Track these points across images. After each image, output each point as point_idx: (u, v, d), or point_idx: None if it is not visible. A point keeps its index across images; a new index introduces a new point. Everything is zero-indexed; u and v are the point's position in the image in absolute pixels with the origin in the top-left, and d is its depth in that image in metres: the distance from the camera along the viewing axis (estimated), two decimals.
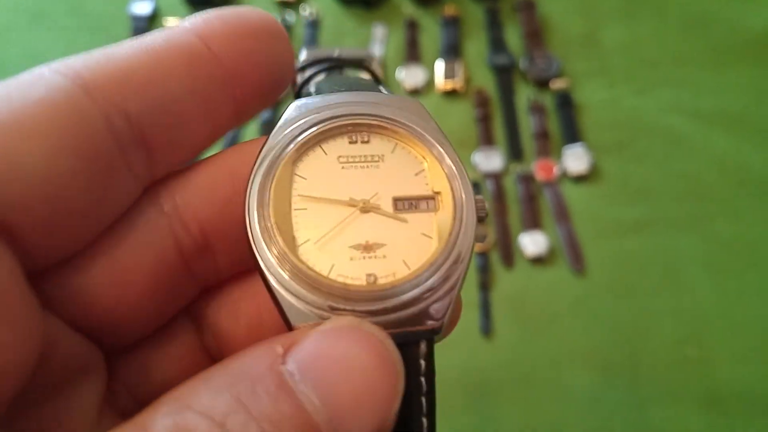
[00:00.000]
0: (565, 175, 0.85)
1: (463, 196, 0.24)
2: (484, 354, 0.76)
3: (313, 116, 0.24)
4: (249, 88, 0.24)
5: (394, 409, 0.19)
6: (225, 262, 0.25)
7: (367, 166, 0.24)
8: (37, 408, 0.21)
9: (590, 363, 0.74)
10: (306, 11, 0.98)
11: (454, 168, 0.24)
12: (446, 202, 0.24)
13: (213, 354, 0.26)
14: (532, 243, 0.80)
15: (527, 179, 0.85)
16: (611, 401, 0.72)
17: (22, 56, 0.96)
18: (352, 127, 0.24)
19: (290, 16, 0.98)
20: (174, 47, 0.22)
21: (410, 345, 0.22)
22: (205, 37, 0.23)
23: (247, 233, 0.22)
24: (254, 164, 0.23)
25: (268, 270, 0.22)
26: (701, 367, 0.73)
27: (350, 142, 0.24)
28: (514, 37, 0.94)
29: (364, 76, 0.30)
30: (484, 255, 0.81)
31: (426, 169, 0.24)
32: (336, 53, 0.30)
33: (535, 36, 0.93)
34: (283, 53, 0.25)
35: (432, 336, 0.22)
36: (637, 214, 0.81)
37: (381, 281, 0.22)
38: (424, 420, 0.22)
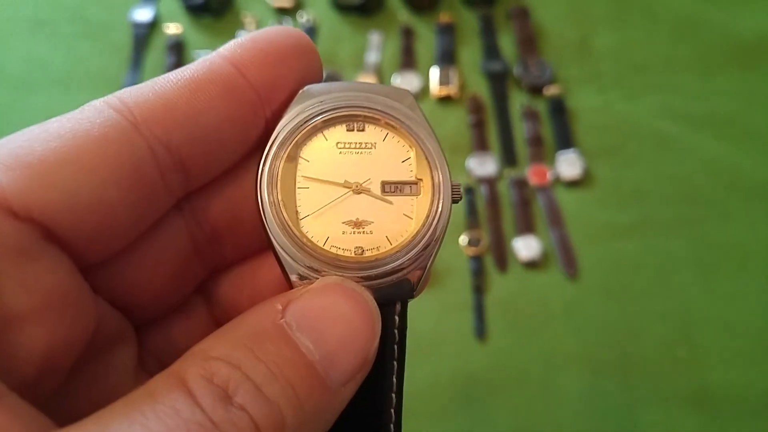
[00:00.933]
0: (558, 180, 0.86)
1: (441, 182, 0.27)
2: (478, 356, 0.76)
3: (317, 106, 0.27)
4: (278, 109, 0.27)
5: (373, 348, 0.23)
6: (231, 250, 0.29)
7: (361, 152, 0.27)
8: (88, 369, 0.25)
9: (582, 365, 0.75)
10: (303, 18, 0.99)
11: (435, 157, 0.27)
12: (426, 188, 0.27)
13: (222, 324, 0.30)
14: (525, 247, 0.81)
15: (521, 184, 0.86)
16: (603, 403, 0.73)
17: (23, 63, 0.97)
18: (350, 117, 0.27)
19: (287, 23, 1.00)
20: (213, 79, 0.25)
21: (389, 305, 0.27)
22: (240, 66, 0.25)
23: (258, 207, 0.26)
24: (266, 146, 0.27)
25: (275, 239, 0.26)
26: (692, 369, 0.73)
27: (348, 130, 0.28)
28: (507, 44, 0.96)
29: None
30: (478, 259, 0.82)
31: (412, 157, 0.28)
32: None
33: (529, 43, 0.94)
34: (312, 72, 0.27)
35: (406, 298, 0.27)
36: (628, 218, 0.82)
37: (367, 253, 0.26)
38: (395, 363, 0.27)
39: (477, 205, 0.85)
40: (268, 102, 0.26)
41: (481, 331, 0.78)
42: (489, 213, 0.85)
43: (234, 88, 0.25)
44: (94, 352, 0.26)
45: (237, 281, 0.30)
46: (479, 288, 0.80)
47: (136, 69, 0.97)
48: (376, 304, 0.24)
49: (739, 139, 0.85)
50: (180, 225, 0.28)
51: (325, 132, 0.27)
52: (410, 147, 0.28)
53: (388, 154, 0.28)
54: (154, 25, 1.00)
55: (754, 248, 0.79)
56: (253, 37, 0.26)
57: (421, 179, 0.27)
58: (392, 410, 0.27)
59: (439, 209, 0.27)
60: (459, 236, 0.83)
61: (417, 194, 0.27)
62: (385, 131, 0.28)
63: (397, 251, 0.26)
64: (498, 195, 0.86)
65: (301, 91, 0.27)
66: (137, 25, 1.00)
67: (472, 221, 0.84)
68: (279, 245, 0.26)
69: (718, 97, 0.88)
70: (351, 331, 0.23)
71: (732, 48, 0.91)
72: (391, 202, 0.27)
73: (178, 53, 0.97)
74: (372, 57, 0.95)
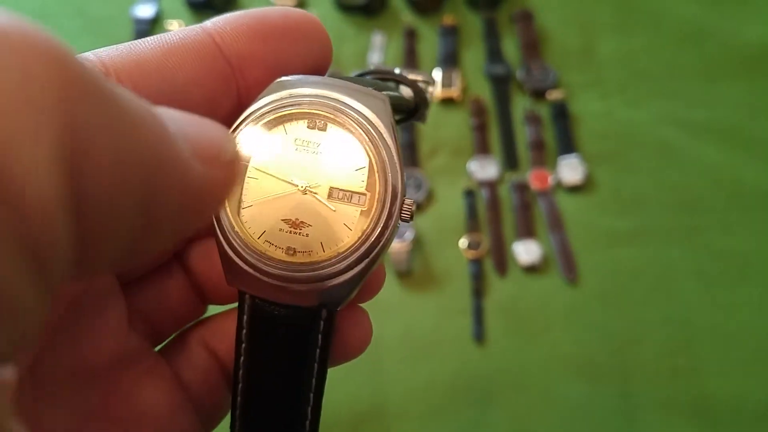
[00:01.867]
0: (559, 185, 0.86)
1: (388, 200, 0.26)
2: (476, 361, 0.76)
3: (287, 98, 0.27)
4: (252, 84, 0.26)
5: (232, 141, 0.20)
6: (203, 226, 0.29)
7: (317, 153, 0.27)
8: (80, 328, 0.26)
9: (581, 372, 0.74)
10: None
11: (389, 172, 0.26)
12: (372, 202, 0.26)
13: (200, 290, 0.31)
14: (525, 251, 0.81)
15: (522, 188, 0.85)
16: (601, 410, 0.72)
17: None
18: (314, 115, 0.27)
19: None
20: (186, 44, 0.25)
21: (314, 310, 0.26)
22: (217, 36, 0.26)
23: None
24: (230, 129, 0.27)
25: (216, 221, 0.26)
26: (691, 378, 0.73)
27: (309, 127, 0.27)
28: (511, 47, 0.95)
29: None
30: (477, 262, 0.81)
31: (366, 167, 0.27)
32: (397, 70, 0.33)
33: (532, 47, 0.94)
34: (299, 55, 0.27)
35: (331, 309, 0.27)
36: (629, 225, 0.82)
37: (297, 255, 0.26)
38: (316, 365, 0.27)
39: (477, 209, 0.85)
40: (241, 74, 0.26)
41: (479, 334, 0.77)
42: (489, 216, 0.84)
43: (205, 54, 0.25)
44: (86, 309, 0.26)
45: (210, 251, 0.30)
46: (478, 291, 0.80)
47: None
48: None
49: (741, 148, 0.85)
50: None
51: (287, 125, 0.27)
52: (368, 155, 0.26)
53: (344, 159, 0.27)
54: (156, 22, 1.00)
55: (755, 258, 0.79)
56: (243, 12, 0.26)
57: (369, 192, 0.26)
58: (309, 408, 0.27)
59: (379, 227, 0.26)
60: (459, 239, 0.83)
61: (362, 206, 0.26)
62: (346, 135, 0.27)
63: (327, 260, 0.26)
64: (499, 198, 0.85)
65: (275, 81, 0.27)
66: (139, 21, 0.99)
67: (472, 224, 0.84)
68: (218, 229, 0.26)
69: (722, 105, 0.88)
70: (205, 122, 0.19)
71: (736, 56, 0.91)
72: (334, 210, 0.26)
73: None
74: (375, 58, 0.95)
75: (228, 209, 0.26)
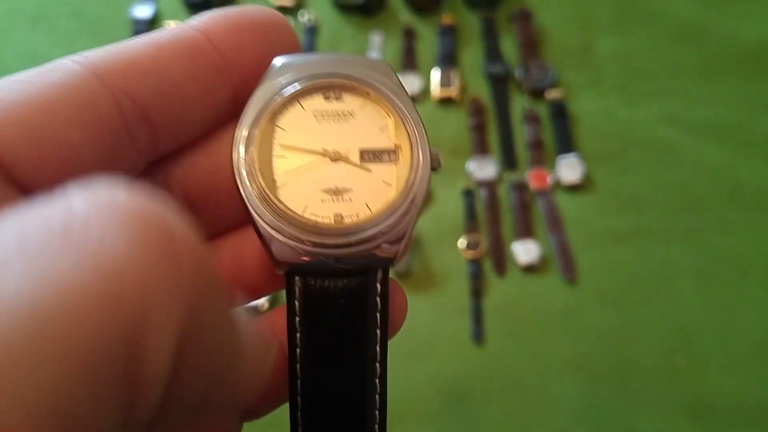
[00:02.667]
0: (558, 185, 0.85)
1: (420, 149, 0.27)
2: (475, 361, 0.76)
3: (294, 74, 0.27)
4: (247, 74, 0.27)
5: None
6: (206, 222, 0.29)
7: (339, 121, 0.27)
8: None
9: (580, 372, 0.74)
10: (304, 17, 0.99)
11: (414, 125, 0.27)
12: (405, 155, 0.27)
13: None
14: (524, 251, 0.81)
15: (521, 188, 0.85)
16: (600, 410, 0.72)
17: (23, 58, 0.97)
18: (327, 86, 0.27)
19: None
20: (178, 40, 0.25)
21: (369, 271, 0.27)
22: (206, 32, 0.26)
23: (234, 176, 0.26)
24: (241, 114, 0.26)
25: (253, 208, 0.26)
26: (690, 378, 0.73)
27: (325, 99, 0.27)
28: (509, 46, 0.95)
29: None
30: (476, 262, 0.81)
31: (389, 125, 0.27)
32: None
33: (531, 46, 0.94)
34: (283, 45, 0.28)
35: (387, 264, 0.27)
36: (628, 225, 0.82)
37: (346, 220, 0.26)
38: (378, 332, 0.27)
39: (476, 209, 0.85)
40: (235, 65, 0.26)
41: (478, 335, 0.77)
42: (488, 216, 0.84)
43: (198, 48, 0.26)
44: None
45: (216, 251, 0.30)
46: (477, 292, 0.80)
47: None
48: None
49: (740, 148, 0.85)
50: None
51: (302, 101, 0.27)
52: (388, 114, 0.27)
53: (366, 121, 0.27)
54: (154, 22, 1.00)
55: (754, 258, 0.79)
56: (223, 9, 0.27)
57: (399, 146, 0.27)
58: (376, 380, 0.27)
59: (418, 176, 0.27)
60: (457, 239, 0.82)
61: (396, 161, 0.27)
62: (362, 99, 0.27)
63: (376, 217, 0.26)
64: (497, 198, 0.85)
65: (276, 62, 0.27)
66: (137, 22, 0.99)
67: (470, 224, 0.84)
68: (257, 214, 0.25)
69: (721, 104, 0.88)
70: None
71: (735, 55, 0.90)
72: (369, 170, 0.27)
73: None
74: (373, 57, 0.95)
75: (266, 190, 0.26)
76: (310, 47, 0.96)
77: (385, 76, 0.28)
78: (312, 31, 0.98)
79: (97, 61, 0.24)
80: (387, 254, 0.26)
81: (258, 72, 0.27)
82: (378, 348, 0.27)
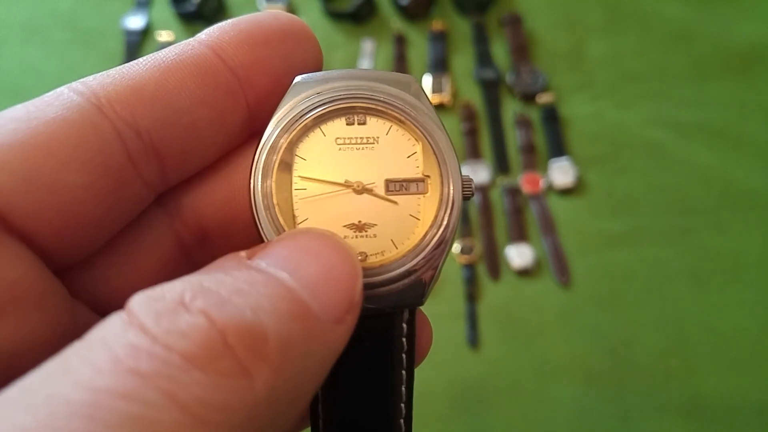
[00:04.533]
0: (551, 188, 0.86)
1: (451, 178, 0.25)
2: (471, 365, 0.76)
3: (314, 97, 0.25)
4: (262, 94, 0.25)
5: (358, 287, 0.20)
6: (221, 251, 0.27)
7: (363, 148, 0.25)
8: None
9: (575, 374, 0.74)
10: None
11: (444, 151, 0.25)
12: (434, 185, 0.25)
13: None
14: (518, 255, 0.81)
15: (514, 192, 0.86)
16: (595, 412, 0.72)
17: (16, 70, 0.97)
18: (350, 110, 0.25)
19: None
20: (185, 60, 0.23)
21: (395, 312, 0.25)
22: (217, 48, 0.24)
23: (252, 210, 0.24)
24: (258, 144, 0.24)
25: None
26: (685, 378, 0.73)
27: (348, 124, 0.25)
28: (500, 51, 0.95)
29: None
30: (470, 267, 0.81)
31: (418, 152, 0.25)
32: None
33: (522, 50, 0.94)
34: (304, 57, 0.25)
35: (415, 305, 0.25)
36: (621, 227, 0.82)
37: (371, 259, 0.24)
38: (404, 373, 0.25)
39: (470, 213, 0.85)
40: (249, 85, 0.24)
41: (474, 339, 0.77)
42: (482, 221, 0.85)
43: (208, 68, 0.23)
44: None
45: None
46: (472, 296, 0.80)
47: None
48: (349, 245, 0.22)
49: (731, 148, 0.85)
50: (164, 226, 0.26)
51: (323, 127, 0.25)
52: (416, 140, 0.25)
53: (392, 149, 0.25)
54: (146, 33, 1.00)
55: (746, 258, 0.79)
56: (235, 20, 0.24)
57: (428, 176, 0.25)
58: (401, 421, 0.25)
59: (449, 208, 0.24)
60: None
61: (424, 192, 0.25)
62: (388, 124, 0.25)
63: (403, 256, 0.24)
64: (491, 203, 0.86)
65: (294, 82, 0.25)
66: (129, 33, 0.99)
67: (464, 229, 0.84)
68: None
69: (711, 105, 0.88)
70: (330, 267, 0.20)
71: (725, 57, 0.91)
72: (396, 202, 0.25)
73: None
74: (365, 64, 0.95)
75: (285, 228, 0.24)
76: None
77: (412, 94, 0.26)
78: None
79: (98, 89, 0.22)
80: (414, 294, 0.24)
81: (276, 89, 0.25)
82: (404, 389, 0.25)
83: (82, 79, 0.22)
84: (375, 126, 0.25)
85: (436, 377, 0.75)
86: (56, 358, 0.16)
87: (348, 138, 0.25)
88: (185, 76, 0.23)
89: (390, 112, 0.25)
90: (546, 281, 0.80)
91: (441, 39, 0.96)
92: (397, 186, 0.25)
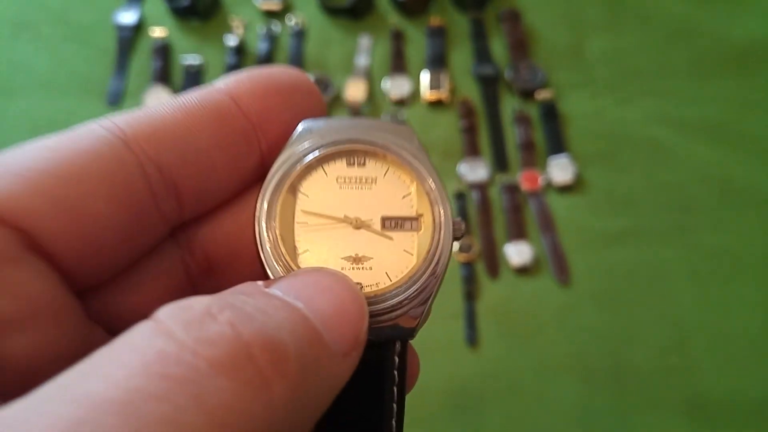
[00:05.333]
0: (550, 186, 0.85)
1: (442, 218, 0.27)
2: (470, 364, 0.76)
3: (317, 139, 0.27)
4: (274, 140, 0.27)
5: (365, 327, 0.22)
6: (227, 284, 0.29)
7: (362, 187, 0.27)
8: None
9: (574, 372, 0.74)
10: (292, 21, 0.98)
11: (436, 193, 0.27)
12: (427, 224, 0.27)
13: None
14: (517, 253, 0.81)
15: (512, 189, 0.85)
16: (595, 410, 0.72)
17: (6, 66, 0.95)
18: (351, 152, 0.27)
19: (276, 26, 0.98)
20: (205, 105, 0.25)
21: (388, 343, 0.26)
22: (234, 96, 0.26)
23: (255, 241, 0.26)
24: (265, 180, 0.27)
25: (273, 275, 0.25)
26: (685, 376, 0.73)
27: (348, 165, 0.27)
28: (499, 47, 0.95)
29: None
30: (469, 265, 0.81)
31: (412, 192, 0.27)
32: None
33: (520, 47, 0.93)
34: (310, 108, 0.28)
35: (406, 337, 0.26)
36: (621, 225, 0.82)
37: (366, 290, 0.26)
38: (394, 406, 0.26)
39: (468, 211, 0.84)
40: (263, 132, 0.26)
41: (472, 338, 0.77)
42: (480, 219, 0.84)
43: (226, 114, 0.25)
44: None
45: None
46: (471, 295, 0.79)
47: (121, 73, 0.95)
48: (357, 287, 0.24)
49: (731, 146, 0.85)
50: (175, 256, 0.27)
51: (325, 167, 0.27)
52: (411, 182, 0.27)
53: (389, 189, 0.27)
54: (139, 28, 0.99)
55: (746, 256, 0.79)
56: (250, 71, 0.27)
57: (421, 215, 0.27)
58: None
59: (440, 245, 0.26)
60: None
61: (418, 230, 0.27)
62: (385, 166, 0.28)
63: (397, 287, 0.26)
64: (489, 201, 0.85)
65: (300, 126, 0.27)
66: (122, 28, 0.98)
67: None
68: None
69: (711, 103, 0.88)
70: (341, 301, 0.22)
71: (725, 54, 0.90)
72: (391, 238, 0.27)
73: (164, 57, 0.96)
74: (362, 60, 0.94)
75: (286, 258, 0.25)
76: (298, 51, 0.95)
77: (407, 141, 0.28)
78: (300, 34, 0.97)
79: (125, 126, 0.24)
80: (406, 326, 0.26)
81: (285, 135, 0.27)
82: (394, 423, 0.26)
83: (109, 116, 0.24)
84: (373, 167, 0.28)
85: (435, 376, 0.74)
86: (86, 361, 0.17)
87: (348, 177, 0.27)
88: (205, 119, 0.25)
89: (387, 155, 0.27)
90: (545, 279, 0.80)
91: (439, 35, 0.95)
92: (392, 223, 0.27)
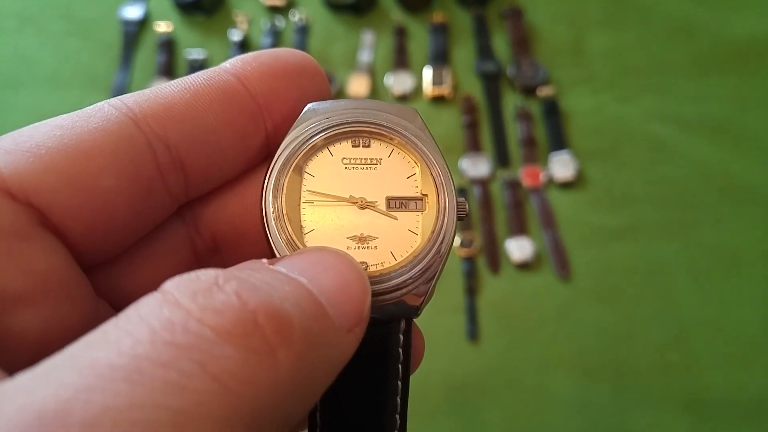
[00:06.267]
0: (551, 182, 0.86)
1: (447, 198, 0.27)
2: (470, 359, 0.76)
3: (324, 122, 0.27)
4: (279, 121, 0.27)
5: (368, 302, 0.22)
6: (233, 262, 0.28)
7: (367, 168, 0.27)
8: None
9: (574, 368, 0.74)
10: (296, 17, 0.98)
11: (440, 173, 0.27)
12: (431, 204, 0.27)
13: None
14: (518, 249, 0.81)
15: (514, 185, 0.85)
16: (595, 406, 0.72)
17: (10, 60, 0.96)
18: (356, 133, 0.28)
19: (280, 22, 0.99)
20: (213, 85, 0.25)
21: (392, 321, 0.26)
22: (241, 77, 0.26)
23: (262, 220, 0.26)
24: (272, 160, 0.27)
25: (279, 253, 0.26)
26: (684, 373, 0.73)
27: (353, 146, 0.28)
28: (501, 44, 0.95)
29: None
30: (470, 260, 0.81)
31: (417, 173, 0.28)
32: None
33: (522, 43, 0.94)
34: (316, 90, 0.28)
35: (411, 316, 0.27)
36: (621, 221, 0.82)
37: (371, 269, 0.26)
38: (399, 383, 0.26)
39: (470, 207, 0.85)
40: (269, 112, 0.27)
41: (473, 333, 0.77)
42: (482, 214, 0.84)
43: (233, 94, 0.26)
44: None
45: None
46: (472, 290, 0.80)
47: (125, 67, 0.95)
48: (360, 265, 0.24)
49: (731, 143, 0.85)
50: (182, 234, 0.28)
51: (331, 147, 0.28)
52: (415, 163, 0.28)
53: (394, 169, 0.28)
54: (144, 23, 0.99)
55: (746, 252, 0.79)
56: (256, 53, 0.27)
57: (426, 195, 0.27)
58: (396, 431, 0.26)
59: (445, 225, 0.27)
60: None
61: (422, 210, 0.27)
62: (390, 147, 0.28)
63: (402, 266, 0.26)
64: (491, 196, 0.85)
65: (306, 108, 0.27)
66: (127, 23, 0.98)
67: (464, 222, 0.84)
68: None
69: (712, 100, 0.88)
70: (344, 279, 0.22)
71: (725, 51, 0.91)
72: (396, 218, 0.27)
73: (169, 52, 0.96)
74: (365, 56, 0.94)
75: (293, 237, 0.26)
76: (302, 46, 0.96)
77: (412, 122, 0.28)
78: (303, 30, 0.97)
79: (134, 105, 0.24)
80: (411, 304, 0.26)
81: (291, 116, 0.27)
82: (399, 399, 0.26)
83: (119, 97, 0.25)
84: (378, 148, 0.28)
85: (436, 371, 0.75)
86: (95, 331, 0.17)
87: (353, 158, 0.28)
88: (213, 99, 0.25)
89: (392, 136, 0.28)
90: (546, 275, 0.80)
91: (442, 31, 0.95)
92: (397, 203, 0.27)
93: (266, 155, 0.28)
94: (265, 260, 0.22)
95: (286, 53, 0.27)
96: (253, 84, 0.26)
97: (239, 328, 0.17)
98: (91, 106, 0.24)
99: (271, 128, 0.27)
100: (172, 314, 0.17)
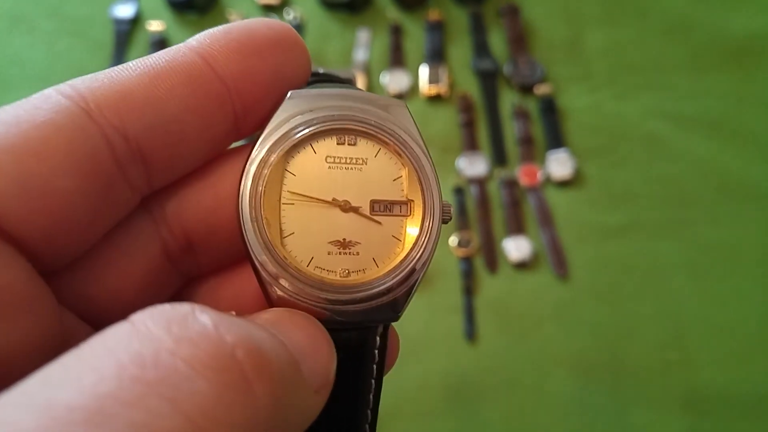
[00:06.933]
0: (548, 180, 0.85)
1: (433, 205, 0.26)
2: (468, 358, 0.76)
3: (307, 114, 0.26)
4: (250, 103, 0.25)
5: (333, 370, 0.22)
6: (206, 259, 0.27)
7: (351, 168, 0.26)
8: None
9: (573, 367, 0.74)
10: (290, 15, 0.97)
11: (429, 177, 0.26)
12: (417, 209, 0.26)
13: None
14: (515, 248, 0.81)
15: (511, 184, 0.85)
16: (593, 405, 0.72)
17: (2, 60, 0.95)
18: (342, 130, 0.26)
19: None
20: (175, 67, 0.23)
21: (371, 327, 0.26)
22: (208, 56, 0.24)
23: (239, 223, 0.24)
24: (249, 156, 0.25)
25: (256, 257, 0.24)
26: (683, 371, 0.73)
27: (338, 143, 0.26)
28: (498, 42, 0.94)
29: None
30: (468, 260, 0.81)
31: (403, 176, 0.26)
32: (321, 70, 0.31)
33: (519, 41, 0.93)
34: (294, 66, 0.25)
35: (390, 321, 0.26)
36: (619, 219, 0.82)
37: (352, 276, 0.25)
38: (373, 381, 0.26)
39: (467, 206, 0.84)
40: (238, 94, 0.24)
41: (471, 332, 0.77)
42: (479, 213, 0.84)
43: (197, 77, 0.23)
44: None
45: (215, 290, 0.28)
46: (469, 289, 0.79)
47: None
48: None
49: (729, 140, 0.85)
50: (151, 233, 0.26)
51: (314, 144, 0.26)
52: (402, 165, 0.26)
53: (380, 171, 0.26)
54: (136, 22, 0.98)
55: (744, 250, 0.79)
56: (226, 27, 0.24)
57: (412, 200, 0.26)
58: (367, 426, 0.26)
59: (429, 231, 0.26)
60: (449, 237, 0.82)
61: (407, 215, 0.26)
62: (377, 147, 0.26)
63: (383, 276, 0.25)
64: (488, 195, 0.85)
65: (288, 95, 0.26)
66: (119, 22, 0.97)
67: (462, 222, 0.83)
68: (260, 263, 0.24)
69: (709, 97, 0.88)
70: (315, 340, 0.21)
71: (723, 48, 0.90)
72: (380, 223, 0.26)
73: None
74: (360, 55, 0.94)
75: (271, 241, 0.24)
76: None
77: (402, 120, 0.27)
78: (298, 29, 0.96)
79: (87, 93, 0.22)
80: (391, 310, 0.26)
81: (264, 98, 0.25)
82: (371, 396, 0.26)
83: (69, 82, 0.22)
84: (365, 148, 0.26)
85: (433, 370, 0.74)
86: (55, 363, 0.16)
87: (338, 157, 0.26)
88: (175, 83, 0.23)
89: (380, 136, 0.26)
90: (544, 274, 0.80)
91: (438, 29, 0.95)
92: (381, 207, 0.26)
93: (235, 139, 0.26)
94: (233, 312, 0.20)
95: (261, 26, 0.24)
96: (221, 64, 0.24)
97: (215, 361, 0.16)
98: (38, 94, 0.21)
99: (241, 111, 0.25)
100: (142, 346, 0.16)
